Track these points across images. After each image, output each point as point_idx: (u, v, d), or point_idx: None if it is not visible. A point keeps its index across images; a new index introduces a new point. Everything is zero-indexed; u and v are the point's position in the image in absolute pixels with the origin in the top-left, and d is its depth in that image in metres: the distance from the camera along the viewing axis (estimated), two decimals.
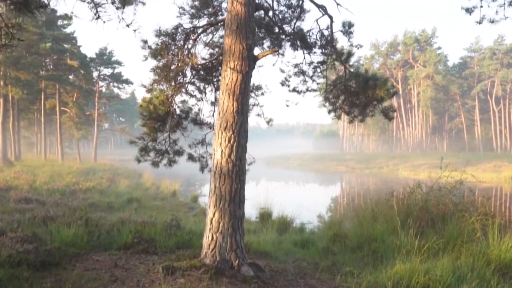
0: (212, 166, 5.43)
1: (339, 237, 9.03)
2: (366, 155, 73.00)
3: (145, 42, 6.09)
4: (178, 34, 6.24)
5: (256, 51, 6.16)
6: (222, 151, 5.33)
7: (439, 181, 9.97)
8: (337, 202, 23.68)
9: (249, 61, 5.48)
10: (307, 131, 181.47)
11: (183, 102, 7.42)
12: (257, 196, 15.02)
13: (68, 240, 6.60)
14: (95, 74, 44.13)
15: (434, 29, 74.64)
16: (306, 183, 39.89)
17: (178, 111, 7.31)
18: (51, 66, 38.69)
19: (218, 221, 5.28)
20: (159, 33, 6.13)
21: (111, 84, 48.37)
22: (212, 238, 5.29)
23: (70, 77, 40.13)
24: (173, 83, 6.76)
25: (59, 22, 36.92)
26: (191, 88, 7.56)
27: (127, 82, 46.52)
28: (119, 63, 44.81)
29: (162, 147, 7.08)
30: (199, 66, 7.25)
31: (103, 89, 54.87)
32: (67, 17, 31.95)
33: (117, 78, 45.52)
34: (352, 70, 7.21)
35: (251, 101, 7.95)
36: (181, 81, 7.04)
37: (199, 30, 6.45)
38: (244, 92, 5.43)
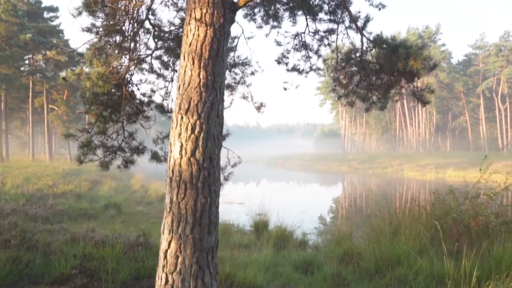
0: (168, 169, 3.56)
1: (351, 257, 7.17)
2: (368, 155, 71.12)
3: None
4: None
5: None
6: (181, 146, 3.45)
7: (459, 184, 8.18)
8: (343, 208, 21.78)
9: (225, 9, 3.60)
10: (308, 131, 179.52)
11: (147, 82, 5.54)
12: (254, 200, 13.10)
13: None
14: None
15: (438, 25, 72.64)
16: (308, 185, 38.00)
17: (138, 95, 5.42)
18: (43, 62, 36.79)
19: (175, 255, 3.39)
20: None
21: None
22: (167, 281, 3.41)
23: (61, 73, 38.16)
24: (127, 55, 4.86)
25: (46, 15, 35.00)
26: (156, 64, 5.68)
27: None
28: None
29: (114, 143, 5.19)
30: (166, 35, 5.36)
31: None
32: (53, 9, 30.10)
33: None
34: (371, 38, 5.31)
35: (235, 77, 6.06)
36: (140, 53, 5.14)
37: None
38: (216, 56, 3.55)
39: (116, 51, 4.49)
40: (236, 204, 19.48)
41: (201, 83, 3.48)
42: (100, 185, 21.22)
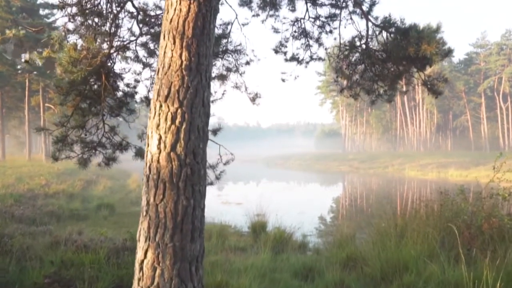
0: (144, 166, 3.07)
1: (354, 261, 6.68)
2: (369, 155, 70.66)
3: None
4: None
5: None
6: (160, 138, 2.96)
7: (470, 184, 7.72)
8: (344, 208, 21.28)
9: None
10: (308, 130, 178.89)
11: (131, 71, 5.04)
12: (253, 200, 12.61)
13: None
14: None
15: (439, 23, 71.62)
16: (308, 185, 37.51)
17: (122, 86, 4.92)
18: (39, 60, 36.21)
19: (152, 267, 2.90)
20: None
21: None
22: None
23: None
24: (107, 40, 4.36)
25: (42, 12, 34.47)
26: (142, 52, 5.18)
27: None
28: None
29: (94, 138, 4.70)
30: (152, 19, 4.87)
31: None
32: (48, 5, 29.52)
33: None
34: (378, 22, 4.81)
35: (228, 65, 5.55)
36: (123, 38, 4.65)
37: None
38: (201, 35, 3.05)
39: (92, 34, 4.00)
40: (234, 205, 19.01)
41: (183, 66, 2.98)
42: (95, 185, 20.74)
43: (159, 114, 2.98)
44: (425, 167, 45.57)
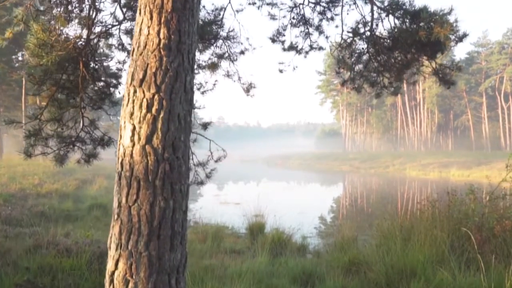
0: (116, 162, 2.64)
1: (357, 266, 6.27)
2: (370, 154, 70.25)
3: None
4: None
5: None
6: (133, 129, 2.53)
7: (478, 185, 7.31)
8: (346, 209, 20.85)
9: None
10: (308, 130, 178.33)
11: (114, 59, 4.62)
12: (252, 200, 12.20)
13: None
14: None
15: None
16: (308, 185, 37.08)
17: (103, 75, 4.49)
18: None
19: (124, 279, 2.47)
20: None
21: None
22: None
23: None
24: (84, 24, 3.94)
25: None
26: (126, 40, 4.75)
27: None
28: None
29: (72, 132, 4.27)
30: (137, 4, 4.41)
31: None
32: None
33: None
34: (385, 5, 4.39)
35: (217, 51, 5.11)
36: (105, 23, 4.23)
37: None
38: (183, 9, 2.63)
39: (65, 14, 3.58)
40: (233, 205, 18.59)
41: (162, 45, 2.55)
42: (90, 184, 20.32)
43: (133, 101, 2.55)
44: (427, 167, 45.16)
